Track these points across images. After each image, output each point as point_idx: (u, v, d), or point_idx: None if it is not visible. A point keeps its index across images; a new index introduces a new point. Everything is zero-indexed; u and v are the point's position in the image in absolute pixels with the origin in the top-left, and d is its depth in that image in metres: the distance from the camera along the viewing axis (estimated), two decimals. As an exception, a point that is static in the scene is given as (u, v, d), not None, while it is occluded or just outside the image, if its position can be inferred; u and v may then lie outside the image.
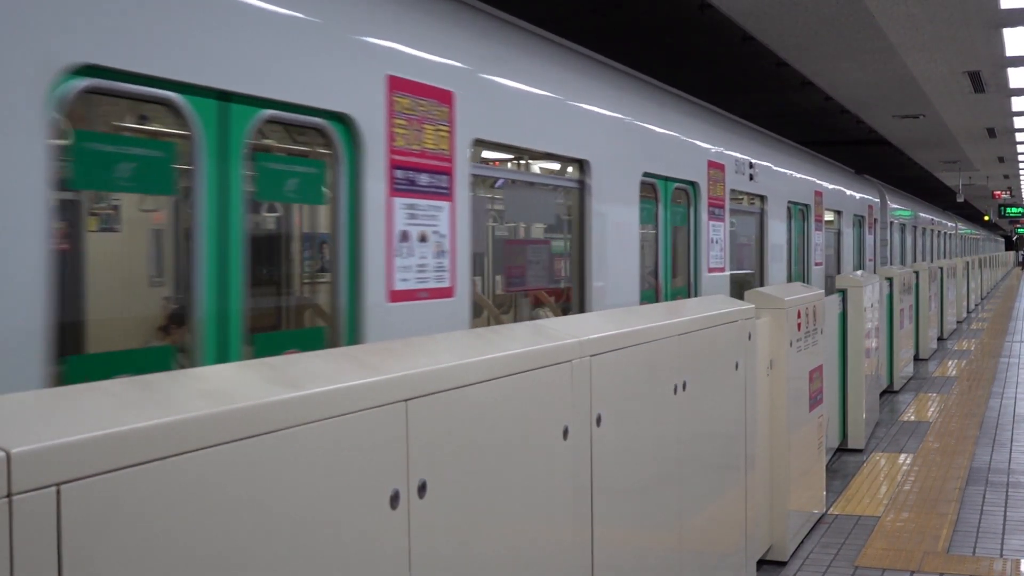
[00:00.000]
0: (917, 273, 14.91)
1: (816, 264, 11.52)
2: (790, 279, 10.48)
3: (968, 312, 24.55)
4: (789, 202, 10.42)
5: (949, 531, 6.07)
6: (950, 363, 14.77)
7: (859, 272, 10.44)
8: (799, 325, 5.86)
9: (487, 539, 2.57)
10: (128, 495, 1.54)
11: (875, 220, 16.48)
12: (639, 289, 6.24)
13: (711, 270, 7.62)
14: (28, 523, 1.38)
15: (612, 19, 9.89)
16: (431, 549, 2.30)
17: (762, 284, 9.23)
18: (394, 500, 2.17)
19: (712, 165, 7.72)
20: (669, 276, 7.06)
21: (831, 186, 12.82)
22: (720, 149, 8.03)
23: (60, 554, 1.42)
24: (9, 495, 1.36)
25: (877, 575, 5.36)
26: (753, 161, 8.96)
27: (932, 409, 10.66)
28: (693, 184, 7.37)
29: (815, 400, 6.35)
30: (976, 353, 16.05)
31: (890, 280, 11.56)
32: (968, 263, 24.63)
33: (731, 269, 8.35)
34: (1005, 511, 6.52)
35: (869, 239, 15.68)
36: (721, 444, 4.62)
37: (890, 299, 11.50)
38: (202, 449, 1.68)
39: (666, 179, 6.91)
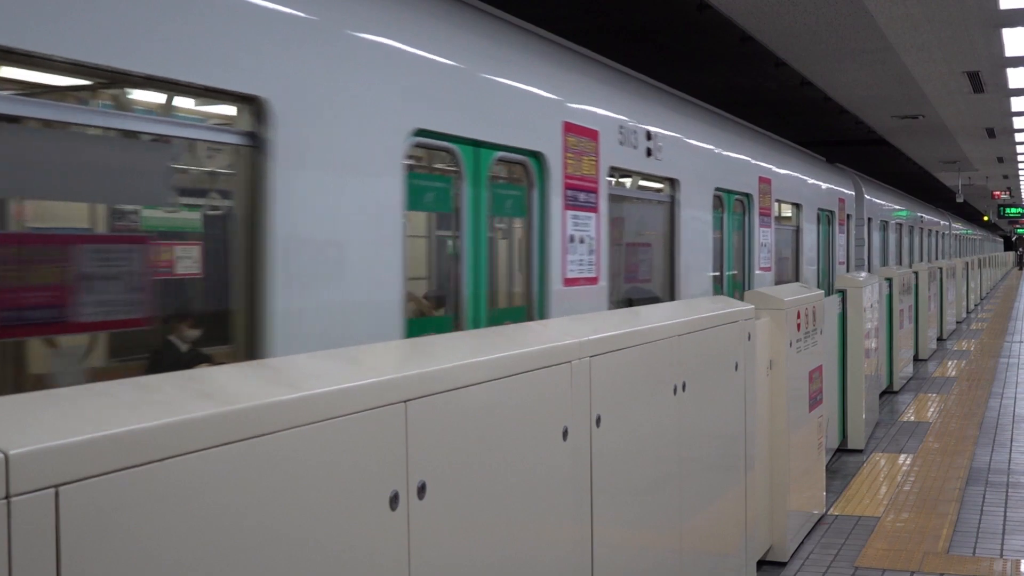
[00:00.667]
0: (916, 273, 14.91)
1: (761, 269, 9.26)
2: (721, 289, 8.31)
3: (968, 312, 24.55)
4: (718, 189, 8.03)
5: (949, 531, 6.07)
6: (950, 363, 14.77)
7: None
8: (799, 325, 5.86)
9: (487, 540, 2.57)
10: (127, 497, 1.54)
11: (848, 216, 14.16)
12: (401, 315, 3.93)
13: (571, 281, 5.30)
14: (27, 525, 1.37)
15: (611, 19, 9.89)
16: (430, 550, 2.29)
17: (672, 296, 7.04)
18: (393, 501, 2.16)
19: (573, 130, 5.36)
20: (481, 293, 4.72)
21: (785, 172, 10.48)
22: (590, 108, 5.65)
23: (59, 556, 1.42)
24: (7, 497, 1.35)
25: (877, 575, 5.36)
26: (653, 131, 6.53)
27: (932, 409, 10.66)
28: (535, 156, 5.04)
29: (815, 400, 6.35)
30: (976, 353, 16.05)
31: (889, 280, 11.56)
32: (968, 263, 24.63)
33: (614, 279, 6.21)
34: (1005, 511, 6.51)
35: (840, 238, 13.39)
36: (721, 444, 4.61)
37: (889, 299, 11.50)
38: (201, 451, 1.67)
39: (475, 144, 4.61)
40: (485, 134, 4.66)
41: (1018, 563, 5.53)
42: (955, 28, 9.69)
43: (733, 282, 8.69)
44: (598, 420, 3.19)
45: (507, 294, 5.32)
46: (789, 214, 11.06)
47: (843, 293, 8.80)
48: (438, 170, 4.65)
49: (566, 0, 9.01)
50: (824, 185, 12.65)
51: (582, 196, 5.47)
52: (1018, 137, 18.94)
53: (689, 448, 4.10)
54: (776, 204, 9.95)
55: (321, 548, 1.96)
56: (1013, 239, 79.58)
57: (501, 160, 4.87)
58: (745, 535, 4.88)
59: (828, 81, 12.69)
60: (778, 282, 9.78)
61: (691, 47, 11.07)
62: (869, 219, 15.96)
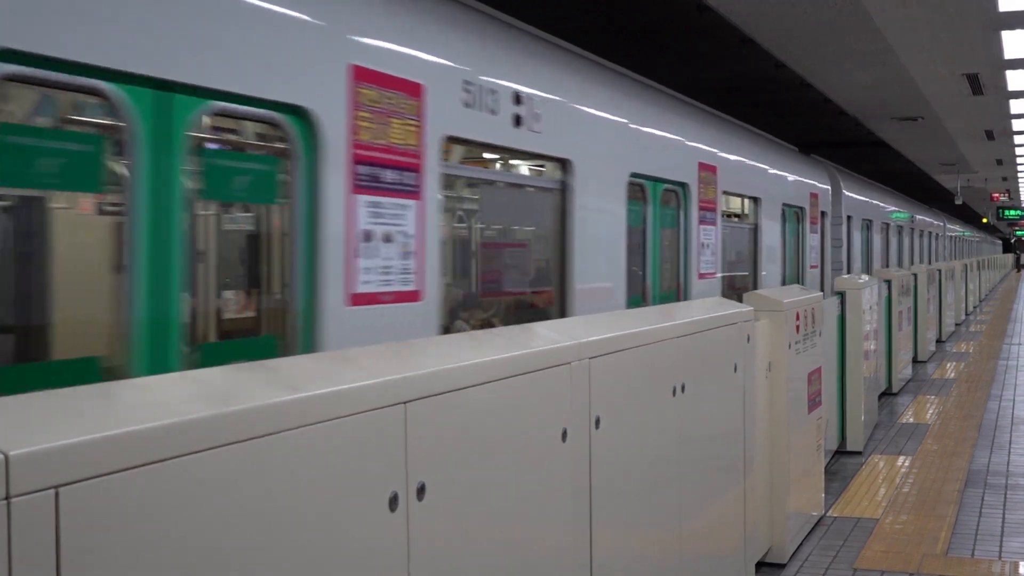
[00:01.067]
0: (916, 275, 14.92)
1: (702, 276, 7.61)
2: (643, 300, 6.74)
3: (966, 314, 24.56)
4: (636, 176, 6.34)
5: (948, 533, 6.07)
6: (949, 365, 14.77)
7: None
8: (798, 327, 5.86)
9: (486, 541, 2.57)
10: (127, 497, 1.54)
11: (823, 214, 12.50)
12: None
13: (365, 299, 3.67)
14: (26, 525, 1.38)
15: (611, 21, 9.90)
16: (430, 551, 2.29)
17: (564, 312, 5.34)
18: (393, 502, 2.16)
19: (370, 79, 3.72)
20: (173, 320, 3.10)
21: (737, 160, 8.83)
22: (406, 51, 4.02)
23: (59, 556, 1.42)
24: (7, 497, 1.35)
25: (876, 577, 5.36)
26: (526, 93, 4.85)
27: (931, 411, 10.66)
28: (297, 112, 3.47)
29: (814, 402, 6.35)
30: (975, 355, 16.05)
31: (888, 282, 11.57)
32: (966, 265, 24.63)
33: (453, 293, 4.78)
34: (1004, 513, 6.52)
35: (812, 238, 11.73)
36: (720, 446, 4.62)
37: (888, 301, 11.51)
38: (201, 451, 1.67)
39: (161, 87, 3.02)
40: (181, 72, 2.99)
41: (1017, 565, 5.53)
42: (954, 30, 9.70)
43: (661, 291, 7.01)
44: (597, 422, 3.19)
45: (233, 321, 3.66)
46: (745, 209, 9.51)
47: (842, 295, 8.81)
48: (74, 123, 3.08)
49: (566, 0, 9.01)
50: (791, 177, 10.99)
51: (389, 175, 3.82)
52: (1017, 139, 18.95)
53: (688, 450, 4.11)
54: (725, 197, 8.32)
55: (320, 549, 1.96)
56: (1012, 241, 79.59)
57: (222, 115, 3.29)
58: (744, 536, 4.89)
59: (828, 83, 12.70)
60: (728, 290, 8.21)
61: (691, 48, 11.08)
62: (848, 217, 14.32)
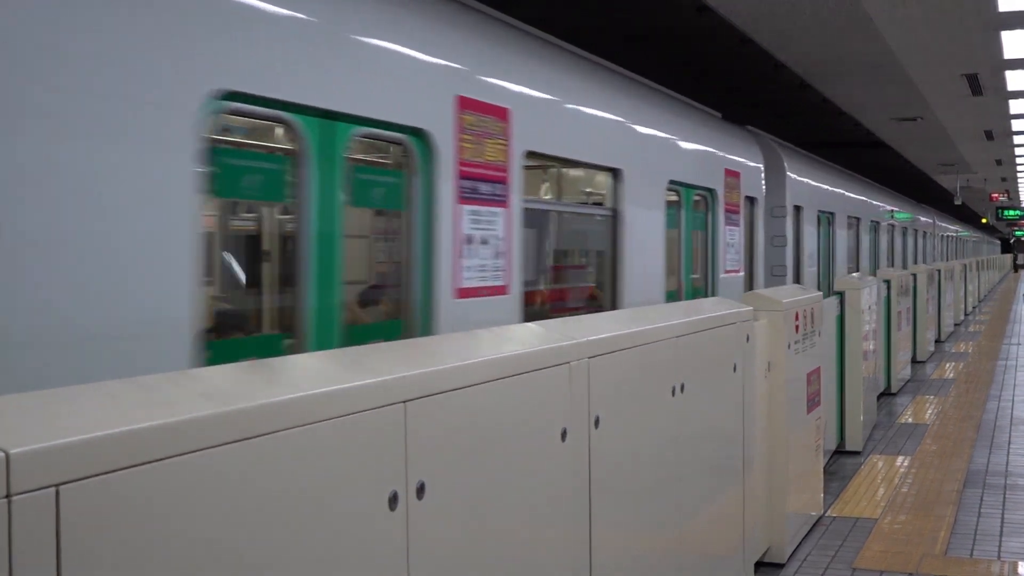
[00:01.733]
0: (915, 276, 14.92)
1: (468, 292, 4.67)
2: (296, 343, 3.85)
3: (965, 315, 24.56)
4: (241, 99, 3.41)
5: (947, 533, 6.08)
6: (948, 365, 14.78)
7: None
8: (797, 327, 5.86)
9: (485, 541, 2.58)
10: (127, 496, 1.54)
11: (750, 200, 9.70)
12: None
13: None
14: (27, 524, 1.38)
15: (610, 22, 9.90)
16: (429, 550, 2.30)
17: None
18: (392, 501, 2.17)
19: None
20: None
21: (566, 107, 5.88)
22: None
23: (59, 555, 1.42)
24: (8, 496, 1.36)
25: (875, 577, 5.36)
26: None
27: (930, 411, 10.66)
28: None
29: (813, 402, 6.36)
30: (974, 356, 16.06)
31: (887, 282, 11.58)
32: (965, 266, 24.64)
33: None
34: (1003, 513, 6.52)
35: (730, 234, 8.92)
36: (719, 446, 4.62)
37: (888, 301, 11.51)
38: (201, 450, 1.68)
39: None
40: None
41: (1016, 565, 5.53)
42: (954, 30, 9.71)
43: (347, 320, 4.14)
44: (597, 421, 3.20)
45: None
46: (594, 187, 6.74)
47: (841, 295, 8.81)
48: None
49: (566, 2, 9.02)
50: (690, 146, 7.97)
51: None
52: (1016, 140, 18.97)
53: (687, 449, 4.11)
54: (529, 161, 5.36)
55: (320, 548, 1.96)
56: (1011, 241, 79.57)
57: None
58: (743, 536, 4.89)
59: (827, 83, 12.71)
60: (552, 312, 5.85)
61: (690, 50, 11.08)
62: (797, 208, 11.31)
